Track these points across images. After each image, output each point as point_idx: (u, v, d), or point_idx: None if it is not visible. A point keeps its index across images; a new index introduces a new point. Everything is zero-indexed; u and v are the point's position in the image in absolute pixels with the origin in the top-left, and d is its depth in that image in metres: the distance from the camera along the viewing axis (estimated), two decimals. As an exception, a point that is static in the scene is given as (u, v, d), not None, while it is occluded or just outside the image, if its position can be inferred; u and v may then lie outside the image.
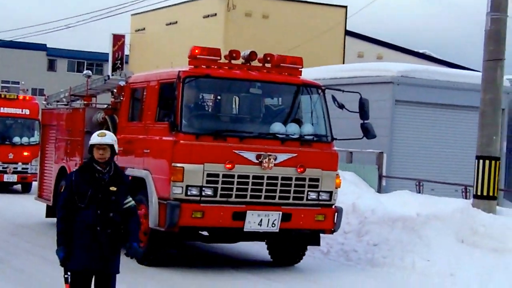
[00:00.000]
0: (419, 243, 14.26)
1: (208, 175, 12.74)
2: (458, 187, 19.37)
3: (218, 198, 12.84)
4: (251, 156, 12.92)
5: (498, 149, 15.14)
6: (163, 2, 33.23)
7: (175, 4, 35.29)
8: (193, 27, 33.57)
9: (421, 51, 45.61)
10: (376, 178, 19.44)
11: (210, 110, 13.79)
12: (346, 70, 23.26)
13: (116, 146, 8.28)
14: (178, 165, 12.68)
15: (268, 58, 13.86)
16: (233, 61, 13.82)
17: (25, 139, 27.31)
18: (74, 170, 8.52)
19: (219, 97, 13.90)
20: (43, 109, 19.86)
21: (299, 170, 13.17)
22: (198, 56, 13.40)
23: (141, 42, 37.89)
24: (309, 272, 13.93)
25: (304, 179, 13.27)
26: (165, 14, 36.29)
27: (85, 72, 19.41)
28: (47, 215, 19.31)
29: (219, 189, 12.81)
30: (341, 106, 13.54)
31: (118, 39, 38.69)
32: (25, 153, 26.86)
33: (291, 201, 13.24)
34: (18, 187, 28.49)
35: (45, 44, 72.74)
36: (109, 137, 8.26)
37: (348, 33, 38.62)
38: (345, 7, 36.97)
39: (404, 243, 14.45)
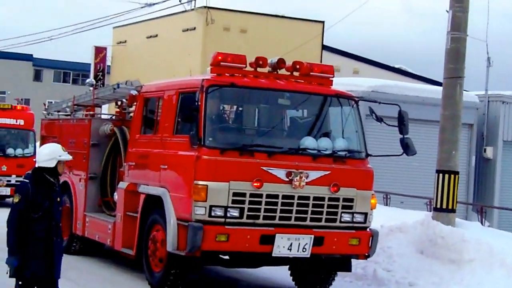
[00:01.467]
0: (382, 253, 14.37)
1: (234, 194, 11.53)
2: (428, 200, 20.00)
3: (244, 220, 11.63)
4: (280, 173, 11.73)
5: (457, 164, 15.50)
6: (144, 15, 34.81)
7: (155, 18, 35.73)
8: (173, 41, 33.95)
9: (396, 66, 45.24)
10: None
11: (235, 122, 12.54)
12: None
13: None
14: (201, 183, 11.47)
15: (297, 66, 12.67)
16: (258, 69, 12.64)
17: (19, 151, 26.08)
18: (24, 181, 8.60)
19: (244, 108, 12.66)
20: (43, 119, 18.60)
21: (332, 189, 11.99)
22: (221, 63, 12.20)
23: (122, 54, 38.17)
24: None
25: (337, 199, 12.09)
26: (146, 28, 36.84)
27: (88, 80, 18.22)
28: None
29: (246, 209, 11.61)
30: (380, 120, 12.37)
31: (100, 51, 38.89)
32: (19, 165, 25.58)
33: (323, 223, 12.06)
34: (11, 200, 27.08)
35: (31, 55, 71.84)
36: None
37: (325, 47, 38.88)
38: (322, 22, 37.34)
39: (367, 253, 14.27)
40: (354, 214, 12.24)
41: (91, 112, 15.98)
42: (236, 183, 11.52)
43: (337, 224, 12.15)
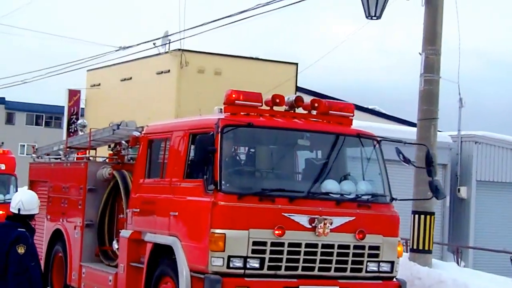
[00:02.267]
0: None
1: (254, 243, 10.63)
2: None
3: (265, 271, 10.72)
4: (303, 220, 10.85)
5: (432, 204, 15.61)
6: (118, 58, 34.14)
7: (129, 61, 35.23)
8: (147, 83, 33.82)
9: (370, 107, 44.69)
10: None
11: (252, 165, 11.61)
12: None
13: None
14: (218, 231, 10.56)
15: (316, 105, 11.85)
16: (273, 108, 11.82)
17: (0, 197, 24.93)
18: (26, 234, 8.88)
19: (262, 150, 11.76)
20: (32, 163, 17.61)
21: (358, 236, 11.12)
22: (236, 101, 11.35)
23: (97, 96, 37.87)
24: None
25: (363, 247, 11.21)
26: (120, 70, 36.59)
27: (79, 121, 17.36)
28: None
29: (267, 260, 10.70)
30: (408, 161, 11.55)
31: (73, 94, 38.61)
32: (1, 212, 24.44)
33: (348, 273, 11.16)
34: None
35: (4, 98, 70.75)
36: None
37: (299, 89, 38.29)
38: (296, 64, 37.20)
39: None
40: (380, 263, 11.38)
41: (87, 155, 15.00)
42: (256, 231, 10.63)
43: (363, 274, 11.27)
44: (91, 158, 14.95)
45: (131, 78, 35.32)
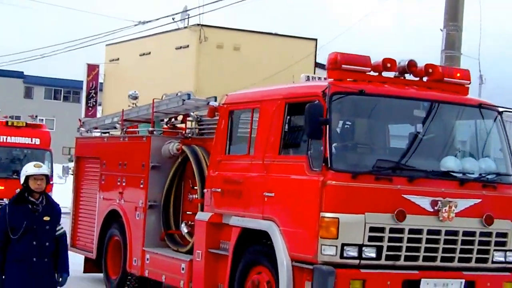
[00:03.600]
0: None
1: (371, 229, 9.16)
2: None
3: (382, 261, 9.25)
4: (425, 203, 9.37)
5: None
6: (137, 33, 34.34)
7: (148, 36, 35.19)
8: (166, 58, 33.67)
9: None
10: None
11: (365, 139, 10.08)
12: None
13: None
14: (330, 215, 9.08)
15: (430, 70, 10.31)
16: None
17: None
18: (7, 203, 8.46)
19: (374, 122, 10.17)
20: (78, 138, 16.12)
21: (486, 221, 9.63)
22: (342, 66, 9.81)
23: (115, 71, 37.56)
24: None
25: (489, 234, 9.74)
26: (139, 45, 36.53)
27: (131, 93, 15.78)
28: (86, 270, 15.52)
29: (385, 248, 9.23)
30: None
31: (92, 69, 38.15)
32: None
33: (473, 264, 9.69)
34: None
35: (22, 72, 69.71)
36: (45, 168, 8.65)
37: (318, 65, 37.59)
38: (315, 39, 36.82)
39: None
40: (507, 253, 9.90)
41: (150, 129, 13.48)
42: (373, 215, 9.16)
43: (488, 265, 9.81)
44: (155, 132, 13.42)
45: (150, 53, 35.08)
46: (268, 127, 10.32)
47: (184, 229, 12.61)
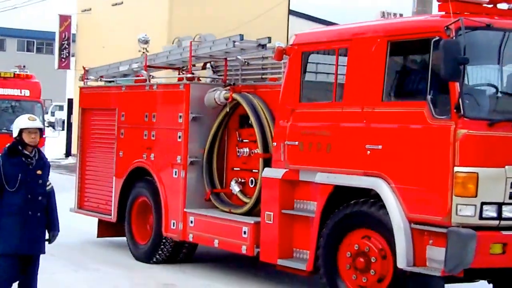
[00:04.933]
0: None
1: (512, 185, 7.96)
2: None
3: (524, 222, 8.08)
4: None
5: None
6: None
7: None
8: (139, 8, 33.03)
9: None
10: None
11: (496, 81, 8.72)
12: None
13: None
14: (467, 170, 7.87)
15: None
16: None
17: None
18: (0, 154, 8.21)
19: (502, 61, 8.88)
20: (82, 87, 14.44)
21: None
22: (457, -4, 8.49)
23: (88, 22, 36.94)
24: None
25: None
26: None
27: (141, 36, 14.20)
28: (100, 234, 13.99)
29: (526, 207, 8.05)
30: None
31: (64, 20, 37.48)
32: None
33: None
34: None
35: (-7, 24, 66.98)
36: (38, 121, 8.43)
37: (291, 12, 37.18)
38: None
39: None
40: None
41: (188, 75, 11.93)
42: (514, 168, 7.95)
43: None
44: (197, 79, 11.89)
45: (122, 3, 34.32)
46: (363, 70, 8.97)
47: (235, 187, 11.24)
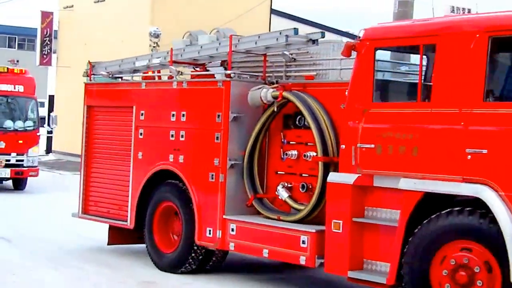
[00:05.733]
0: None
1: None
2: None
3: None
4: None
5: None
6: None
7: None
8: (121, 5, 33.12)
9: (345, 30, 42.58)
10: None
11: None
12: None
13: None
14: None
15: None
16: None
17: (19, 124, 20.89)
18: None
19: None
20: (88, 84, 13.42)
21: None
22: None
23: (70, 19, 37.28)
24: None
25: None
26: None
27: (152, 29, 13.39)
28: (111, 241, 13.01)
29: None
30: None
31: (46, 16, 37.74)
32: (20, 141, 20.47)
33: None
34: (8, 183, 21.83)
35: (-26, 20, 64.96)
36: None
37: (273, 11, 37.45)
38: None
39: None
40: None
41: (229, 71, 11.05)
42: None
43: None
44: (233, 75, 11.00)
45: (104, 0, 34.43)
46: (457, 68, 8.30)
47: (283, 193, 10.46)
